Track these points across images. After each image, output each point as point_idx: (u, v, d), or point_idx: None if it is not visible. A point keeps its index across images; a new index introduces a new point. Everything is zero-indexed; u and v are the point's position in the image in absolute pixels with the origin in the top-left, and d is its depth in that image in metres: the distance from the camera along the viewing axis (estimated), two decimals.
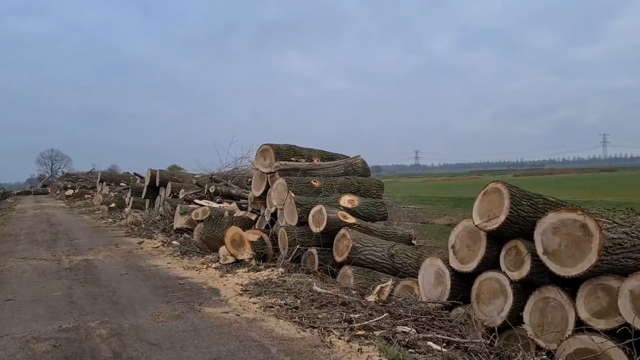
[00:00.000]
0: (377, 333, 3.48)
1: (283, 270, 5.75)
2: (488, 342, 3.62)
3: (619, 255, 3.66)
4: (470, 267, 4.55)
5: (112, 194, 19.85)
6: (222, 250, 6.87)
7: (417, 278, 5.44)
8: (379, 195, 7.98)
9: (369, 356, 3.09)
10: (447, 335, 3.56)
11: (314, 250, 6.50)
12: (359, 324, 3.63)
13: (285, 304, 4.35)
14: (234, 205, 10.27)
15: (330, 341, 3.38)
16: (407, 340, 3.36)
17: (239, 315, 4.13)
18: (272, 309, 4.27)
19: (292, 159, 7.82)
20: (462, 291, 4.66)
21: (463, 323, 4.21)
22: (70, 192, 27.76)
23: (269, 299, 4.61)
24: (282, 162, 7.59)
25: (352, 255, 5.97)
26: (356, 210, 7.12)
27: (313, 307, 4.23)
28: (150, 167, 15.82)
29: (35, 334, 3.82)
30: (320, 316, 3.93)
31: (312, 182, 7.51)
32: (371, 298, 4.56)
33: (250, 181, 12.09)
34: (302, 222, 6.89)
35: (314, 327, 3.67)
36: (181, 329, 3.82)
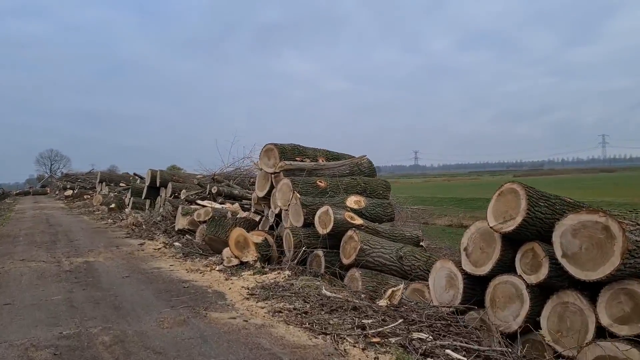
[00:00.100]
0: (392, 340, 3.33)
1: (290, 273, 5.60)
2: (509, 349, 3.47)
3: None
4: (484, 270, 4.41)
5: (112, 195, 19.68)
6: (226, 252, 6.72)
7: (426, 281, 5.30)
8: (385, 196, 7.83)
9: None
10: (465, 342, 3.42)
11: (320, 253, 6.36)
12: (373, 331, 3.48)
13: (294, 309, 4.20)
14: (236, 206, 10.12)
15: (345, 349, 3.23)
16: (424, 347, 3.21)
17: (247, 321, 3.98)
18: (280, 313, 4.12)
19: (296, 158, 7.66)
20: (475, 295, 4.51)
21: (478, 328, 4.07)
22: (69, 192, 27.56)
23: (277, 303, 4.46)
24: (287, 162, 7.43)
25: (359, 257, 5.83)
26: (363, 212, 6.97)
27: (323, 312, 4.09)
28: (149, 167, 15.70)
29: (35, 341, 3.66)
30: (331, 322, 3.79)
31: (317, 182, 7.36)
32: (382, 302, 4.41)
33: (253, 181, 11.96)
34: (308, 224, 6.74)
35: (326, 334, 3.52)
36: (187, 336, 3.67)
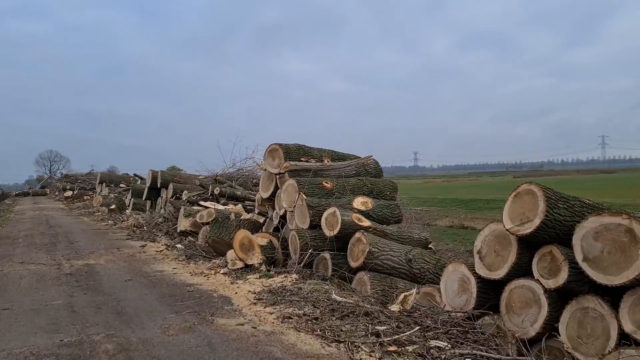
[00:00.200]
0: (409, 349, 3.19)
1: (297, 277, 5.45)
2: (531, 358, 3.33)
3: None
4: (499, 274, 4.27)
5: (112, 196, 19.52)
6: (230, 254, 6.58)
7: (435, 284, 5.16)
8: (392, 197, 7.68)
9: None
10: (485, 351, 3.27)
11: (327, 255, 6.21)
12: (388, 338, 3.34)
13: (304, 314, 4.05)
14: (239, 207, 9.96)
15: (360, 359, 3.08)
16: (443, 357, 3.07)
17: (255, 328, 3.83)
18: (290, 320, 3.97)
19: (301, 159, 7.52)
20: (489, 300, 4.37)
21: (495, 335, 3.93)
22: (69, 193, 27.39)
23: (286, 308, 4.31)
24: (292, 163, 7.29)
25: (368, 260, 5.68)
26: (370, 213, 6.82)
27: (334, 318, 3.94)
28: (149, 168, 15.56)
29: (35, 349, 3.51)
30: (344, 328, 3.64)
31: (323, 183, 7.21)
32: (395, 307, 4.26)
33: (255, 182, 11.81)
34: (314, 225, 6.59)
35: (339, 342, 3.37)
36: (194, 344, 3.52)
